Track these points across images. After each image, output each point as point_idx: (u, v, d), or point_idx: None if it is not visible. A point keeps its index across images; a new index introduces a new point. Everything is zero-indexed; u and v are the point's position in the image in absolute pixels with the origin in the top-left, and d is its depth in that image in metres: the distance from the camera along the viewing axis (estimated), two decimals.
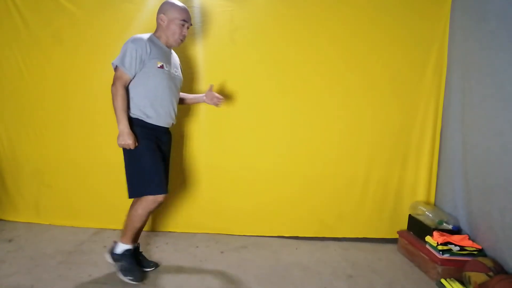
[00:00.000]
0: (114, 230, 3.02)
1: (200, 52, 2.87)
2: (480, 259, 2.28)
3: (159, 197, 2.22)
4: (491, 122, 2.36)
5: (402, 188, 3.00)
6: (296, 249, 2.88)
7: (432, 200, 3.01)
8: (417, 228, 2.76)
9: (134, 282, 2.24)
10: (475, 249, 2.42)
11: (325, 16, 2.85)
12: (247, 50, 2.87)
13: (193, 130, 2.98)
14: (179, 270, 2.48)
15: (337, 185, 3.00)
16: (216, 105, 2.58)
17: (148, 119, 2.25)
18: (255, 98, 2.93)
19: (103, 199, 3.03)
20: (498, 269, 2.18)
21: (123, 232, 2.29)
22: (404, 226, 2.95)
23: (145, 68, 2.19)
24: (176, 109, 2.39)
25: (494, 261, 2.24)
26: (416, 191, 3.00)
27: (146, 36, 2.23)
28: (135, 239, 2.33)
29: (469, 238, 2.52)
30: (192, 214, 3.05)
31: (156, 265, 2.46)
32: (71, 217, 3.06)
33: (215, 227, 3.06)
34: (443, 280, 2.34)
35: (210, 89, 2.58)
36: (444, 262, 2.41)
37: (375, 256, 2.80)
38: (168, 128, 2.41)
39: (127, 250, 2.28)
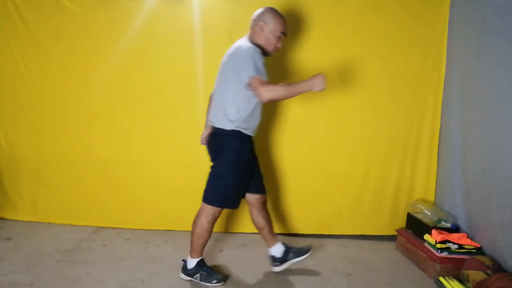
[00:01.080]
0: (113, 228, 3.03)
1: (199, 51, 2.86)
2: (478, 257, 2.28)
3: (221, 211, 2.29)
4: (490, 120, 2.37)
5: (401, 186, 3.01)
6: None
7: (431, 198, 3.02)
8: (416, 226, 2.76)
9: (221, 283, 2.28)
10: (473, 247, 2.43)
11: (324, 16, 2.84)
12: None
13: (198, 126, 2.96)
14: (178, 268, 2.47)
15: (336, 183, 3.01)
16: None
17: (246, 131, 2.22)
18: None
19: (102, 197, 3.03)
20: (497, 267, 2.19)
21: (192, 248, 2.30)
22: (403, 224, 2.96)
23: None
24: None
25: (493, 259, 2.25)
26: (415, 190, 3.00)
27: (253, 45, 2.16)
28: (201, 251, 2.34)
29: (468, 237, 2.52)
30: (191, 212, 3.04)
31: (309, 247, 2.48)
32: (70, 215, 3.06)
33: (214, 225, 3.05)
34: (441, 278, 2.35)
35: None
36: (442, 260, 2.42)
37: (374, 254, 2.81)
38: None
39: (199, 262, 2.31)
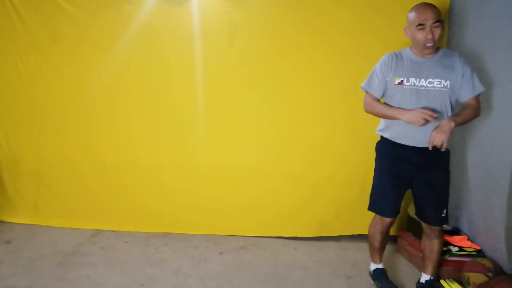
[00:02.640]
0: (113, 231, 3.02)
1: (198, 52, 2.86)
2: (479, 260, 2.28)
3: (385, 219, 2.27)
4: (491, 122, 2.36)
5: None
6: (295, 249, 2.88)
7: None
8: (417, 228, 2.75)
9: None
10: (474, 249, 2.42)
11: (323, 17, 2.83)
12: (245, 51, 2.86)
13: (198, 128, 2.96)
14: (178, 271, 2.47)
15: (335, 185, 2.99)
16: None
17: (387, 135, 2.20)
18: (253, 98, 2.92)
19: (102, 200, 3.03)
20: (497, 270, 2.18)
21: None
22: (403, 226, 2.95)
23: (388, 87, 2.14)
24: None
25: (493, 262, 2.24)
26: None
27: (396, 51, 2.16)
28: (380, 258, 2.36)
29: (468, 239, 2.52)
30: (191, 215, 3.05)
31: None
32: (70, 217, 3.06)
33: (214, 227, 3.05)
34: (442, 281, 2.34)
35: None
36: (443, 262, 2.41)
37: None
38: (425, 148, 2.06)
39: (375, 270, 2.33)
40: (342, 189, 3.00)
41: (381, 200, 2.28)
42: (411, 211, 2.90)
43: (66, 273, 2.36)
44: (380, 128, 2.26)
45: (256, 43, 2.86)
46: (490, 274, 2.14)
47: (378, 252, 2.36)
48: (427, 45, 2.01)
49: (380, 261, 2.39)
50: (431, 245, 2.26)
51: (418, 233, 2.71)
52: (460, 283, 2.28)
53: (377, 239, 2.32)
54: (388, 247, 2.93)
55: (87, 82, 2.91)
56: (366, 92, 2.22)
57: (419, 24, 2.01)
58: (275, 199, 3.01)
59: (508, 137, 2.20)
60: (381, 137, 2.26)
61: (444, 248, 2.44)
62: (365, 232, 3.00)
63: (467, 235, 2.56)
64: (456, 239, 2.49)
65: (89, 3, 2.83)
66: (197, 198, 3.02)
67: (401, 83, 2.07)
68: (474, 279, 2.17)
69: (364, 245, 2.96)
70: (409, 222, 2.89)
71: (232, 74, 2.90)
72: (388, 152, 2.22)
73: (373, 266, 2.38)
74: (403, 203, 3.05)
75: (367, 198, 2.99)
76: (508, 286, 1.97)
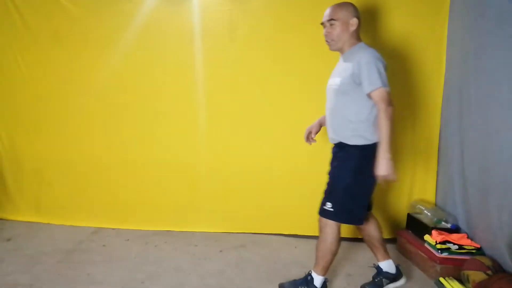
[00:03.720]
0: (113, 229, 3.03)
1: (198, 51, 2.86)
2: (478, 257, 2.28)
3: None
4: (490, 121, 2.37)
5: (401, 187, 3.00)
6: (295, 247, 2.88)
7: (431, 199, 3.01)
8: (416, 227, 2.76)
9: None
10: (473, 247, 2.43)
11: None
12: (246, 50, 2.87)
13: (198, 127, 2.97)
14: (178, 269, 2.48)
15: None
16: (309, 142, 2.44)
17: (371, 141, 2.10)
18: (254, 97, 2.92)
19: (102, 197, 3.04)
20: (497, 267, 2.18)
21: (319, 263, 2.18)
22: (403, 225, 2.95)
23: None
24: (334, 126, 2.18)
25: (493, 259, 2.24)
26: (415, 190, 3.00)
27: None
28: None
29: (468, 237, 2.52)
30: (191, 213, 3.05)
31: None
32: (71, 215, 3.06)
33: (214, 225, 3.06)
34: (441, 279, 2.34)
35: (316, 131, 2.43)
36: (442, 260, 2.41)
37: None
38: (338, 143, 2.20)
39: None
40: None
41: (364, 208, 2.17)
42: (411, 210, 2.91)
43: (67, 271, 2.36)
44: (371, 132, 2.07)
45: (257, 42, 2.87)
46: (489, 272, 2.14)
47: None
48: (326, 41, 2.14)
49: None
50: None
51: (418, 232, 2.72)
52: (460, 281, 2.29)
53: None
54: (388, 245, 2.93)
55: (88, 81, 2.92)
56: (381, 90, 1.97)
57: (321, 23, 2.15)
58: (275, 196, 3.01)
59: (505, 136, 2.21)
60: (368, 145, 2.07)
61: (444, 246, 2.45)
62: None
63: (466, 233, 2.56)
64: (456, 237, 2.49)
65: (90, 2, 2.84)
66: (197, 196, 3.03)
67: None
68: (473, 277, 2.17)
69: (363, 244, 2.96)
70: (408, 221, 2.90)
71: (233, 72, 2.90)
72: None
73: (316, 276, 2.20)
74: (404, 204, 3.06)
75: None
76: (507, 284, 1.98)
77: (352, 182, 2.08)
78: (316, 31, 2.84)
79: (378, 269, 2.32)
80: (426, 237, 2.58)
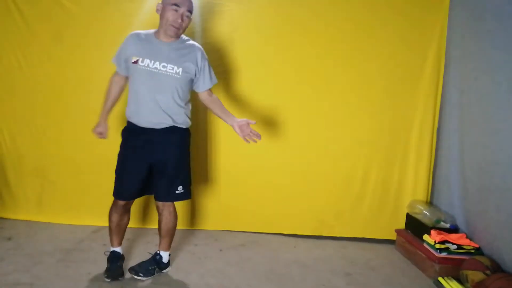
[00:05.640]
0: None
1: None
2: (477, 257, 2.29)
3: (116, 201, 2.32)
4: (489, 121, 2.37)
5: (400, 187, 3.01)
6: (295, 247, 2.89)
7: (430, 199, 3.02)
8: (415, 226, 2.77)
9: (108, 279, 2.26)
10: (472, 247, 2.44)
11: (323, 16, 2.85)
12: (246, 50, 2.87)
13: (197, 126, 2.96)
14: (178, 268, 2.48)
15: (335, 184, 3.01)
16: (246, 140, 2.26)
17: (129, 118, 2.24)
18: (254, 97, 2.93)
19: (104, 196, 3.02)
20: (495, 267, 2.20)
21: (170, 243, 2.36)
22: (402, 224, 2.96)
23: (128, 65, 2.16)
24: (166, 109, 2.14)
25: (491, 259, 2.26)
26: (414, 190, 3.00)
27: (139, 31, 2.21)
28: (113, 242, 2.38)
29: (467, 237, 2.53)
30: (191, 212, 3.06)
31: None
32: (72, 214, 3.06)
33: (214, 224, 3.07)
34: (440, 279, 2.36)
35: (248, 123, 2.25)
36: (441, 260, 2.43)
37: (373, 254, 2.81)
38: (162, 128, 2.18)
39: (113, 253, 2.34)
40: (342, 189, 3.01)
41: (121, 185, 2.35)
42: (410, 210, 2.92)
43: (67, 270, 2.37)
44: (127, 111, 2.24)
45: (257, 42, 2.87)
46: (488, 271, 2.15)
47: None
48: (174, 25, 2.06)
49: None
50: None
51: (417, 232, 2.73)
52: (459, 280, 2.30)
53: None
54: (387, 245, 2.96)
55: (89, 79, 2.91)
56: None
57: (174, 5, 2.05)
58: (275, 196, 3.02)
59: (504, 136, 2.22)
60: (127, 120, 2.25)
61: (443, 246, 2.46)
62: (366, 235, 3.03)
63: (465, 233, 2.57)
64: (455, 237, 2.50)
65: (91, 1, 2.83)
66: (197, 195, 3.03)
67: (136, 62, 2.12)
68: (472, 277, 2.19)
69: (363, 243, 2.98)
70: (407, 221, 2.91)
71: (232, 73, 2.90)
72: (129, 134, 2.28)
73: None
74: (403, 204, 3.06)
75: (367, 198, 3.03)
76: (506, 283, 1.99)
77: (189, 161, 2.34)
78: (315, 31, 2.86)
79: (157, 257, 2.37)
80: (425, 237, 2.59)
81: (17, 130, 3.02)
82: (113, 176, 3.03)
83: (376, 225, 3.04)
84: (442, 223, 2.69)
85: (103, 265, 2.41)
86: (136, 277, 2.27)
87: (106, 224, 3.02)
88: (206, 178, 3.02)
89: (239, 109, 2.93)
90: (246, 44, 2.86)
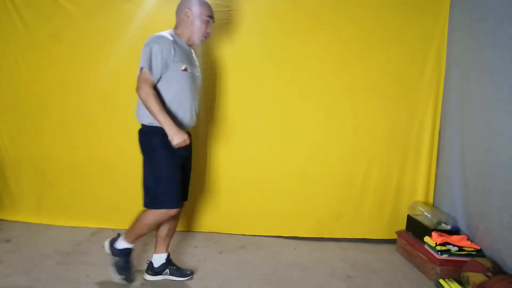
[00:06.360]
0: (113, 230, 3.01)
1: (198, 52, 2.85)
2: (478, 259, 2.28)
3: (172, 211, 2.12)
4: (490, 122, 2.37)
5: (401, 189, 3.00)
6: (295, 249, 2.88)
7: (431, 200, 3.01)
8: (416, 228, 2.76)
9: (125, 282, 2.21)
10: (473, 249, 2.43)
11: (324, 16, 2.85)
12: (246, 50, 2.87)
13: (197, 127, 2.95)
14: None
15: (336, 186, 3.00)
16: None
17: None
18: (254, 98, 2.92)
19: (102, 198, 3.03)
20: (497, 269, 2.18)
21: (129, 231, 2.19)
22: (403, 226, 2.95)
23: (169, 71, 2.05)
24: (197, 111, 2.23)
25: (493, 261, 2.24)
26: (415, 192, 3.00)
27: (168, 35, 2.07)
28: (134, 240, 2.22)
29: (468, 239, 2.52)
30: (191, 214, 3.05)
31: (191, 273, 2.39)
32: (71, 216, 3.05)
33: (214, 226, 3.05)
34: (441, 281, 2.34)
35: None
36: (442, 262, 2.41)
37: (373, 257, 2.80)
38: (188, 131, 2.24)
39: (127, 249, 2.23)
40: (343, 191, 3.01)
41: (177, 193, 2.17)
42: (411, 211, 2.91)
43: (66, 272, 2.36)
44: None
45: (257, 42, 2.86)
46: (489, 273, 2.14)
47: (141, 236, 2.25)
48: (206, 36, 2.19)
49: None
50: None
51: (417, 234, 2.72)
52: (460, 282, 2.28)
53: (152, 230, 2.25)
54: (388, 247, 2.95)
55: (88, 80, 2.91)
56: (143, 71, 2.04)
57: (209, 16, 2.16)
58: (275, 198, 3.01)
59: (506, 137, 2.21)
60: (159, 127, 2.05)
61: (444, 248, 2.45)
62: (367, 236, 3.02)
63: (466, 235, 2.56)
64: (456, 239, 2.49)
65: (89, 2, 2.83)
66: (197, 197, 3.02)
67: (186, 69, 2.10)
68: (473, 279, 2.17)
69: (363, 245, 2.97)
70: (408, 223, 2.90)
71: (231, 73, 2.90)
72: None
73: (127, 245, 2.21)
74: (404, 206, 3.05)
75: (368, 200, 3.02)
76: (507, 285, 1.98)
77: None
78: (315, 30, 2.86)
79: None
80: (426, 238, 2.58)
81: (16, 132, 3.02)
82: (112, 178, 3.03)
83: (377, 227, 3.03)
84: (443, 224, 2.68)
85: (102, 267, 2.40)
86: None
87: (105, 226, 3.04)
88: (205, 180, 3.02)
89: (239, 109, 2.93)
90: (246, 44, 2.86)
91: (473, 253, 2.41)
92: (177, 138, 1.99)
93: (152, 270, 2.33)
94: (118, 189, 3.01)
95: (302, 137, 2.97)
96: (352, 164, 2.98)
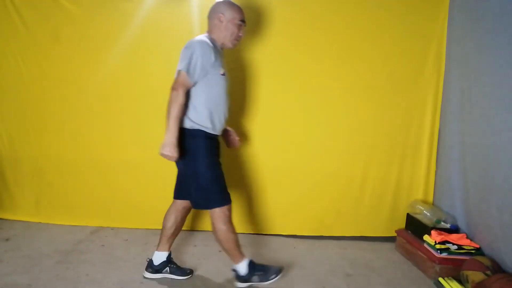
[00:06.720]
0: (112, 229, 3.02)
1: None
2: (478, 258, 2.28)
3: (226, 208, 2.16)
4: (489, 121, 2.37)
5: (400, 187, 3.00)
6: (294, 248, 2.88)
7: (430, 199, 3.01)
8: (415, 227, 2.76)
9: (279, 275, 2.25)
10: (473, 248, 2.43)
11: (324, 15, 2.84)
12: (246, 50, 2.86)
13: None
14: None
15: (335, 184, 3.00)
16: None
17: (210, 129, 2.13)
18: (253, 98, 2.92)
19: (101, 197, 3.03)
20: (496, 268, 2.19)
21: (231, 256, 2.22)
22: (402, 225, 2.95)
23: (209, 75, 2.07)
24: (227, 115, 2.26)
25: (492, 260, 2.25)
26: (414, 190, 3.00)
27: (206, 39, 2.10)
28: (241, 252, 2.24)
29: (467, 237, 2.52)
30: (190, 213, 3.04)
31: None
32: (70, 215, 3.06)
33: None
34: (441, 279, 2.35)
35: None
36: (442, 261, 2.41)
37: (373, 255, 2.80)
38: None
39: (250, 264, 2.23)
40: (342, 189, 3.01)
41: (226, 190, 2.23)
42: (411, 210, 2.91)
43: (65, 271, 2.36)
44: (208, 122, 2.13)
45: (257, 41, 2.86)
46: (488, 272, 2.14)
47: (237, 245, 2.24)
48: (238, 40, 2.23)
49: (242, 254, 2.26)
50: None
51: (417, 232, 2.72)
52: (459, 281, 2.29)
53: (233, 231, 2.22)
54: (387, 245, 2.95)
55: (87, 80, 2.91)
56: (181, 74, 2.04)
57: (242, 21, 2.19)
58: (274, 197, 3.01)
59: (506, 136, 2.21)
60: (202, 130, 2.11)
61: (443, 247, 2.45)
62: (366, 234, 3.02)
63: (465, 233, 2.56)
64: (455, 238, 2.49)
65: (89, 1, 2.83)
66: None
67: (224, 74, 2.15)
68: (473, 277, 2.17)
69: (363, 244, 2.97)
70: (408, 221, 2.90)
71: (231, 73, 2.88)
72: (212, 144, 2.20)
73: (245, 262, 2.22)
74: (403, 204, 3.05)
75: (367, 198, 3.02)
76: (506, 284, 1.98)
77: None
78: (316, 30, 2.86)
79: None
80: (426, 237, 2.58)
81: (15, 131, 3.02)
82: (111, 178, 3.04)
83: (376, 225, 3.03)
84: (442, 223, 2.68)
85: (101, 266, 2.41)
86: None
87: (104, 224, 3.05)
88: None
89: (239, 109, 2.92)
90: (246, 44, 2.86)
91: (473, 251, 2.41)
92: (169, 150, 2.03)
93: (152, 268, 2.33)
94: (117, 188, 3.01)
95: (301, 137, 2.97)
96: (351, 162, 2.98)
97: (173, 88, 2.05)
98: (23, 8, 2.85)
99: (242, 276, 2.22)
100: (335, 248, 2.90)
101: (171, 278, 2.33)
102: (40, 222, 3.05)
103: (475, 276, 2.17)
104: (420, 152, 2.97)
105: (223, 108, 2.19)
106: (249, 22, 2.81)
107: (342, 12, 2.84)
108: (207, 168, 2.14)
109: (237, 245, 2.22)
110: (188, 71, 2.02)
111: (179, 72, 2.05)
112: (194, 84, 2.08)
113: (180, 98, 2.02)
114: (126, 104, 2.96)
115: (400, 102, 2.94)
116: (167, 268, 2.34)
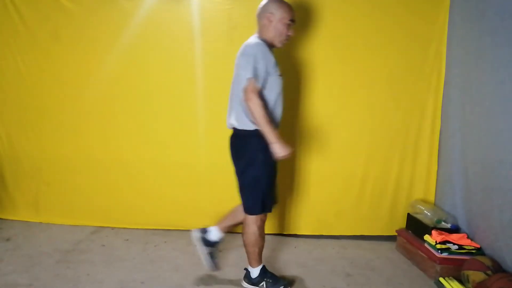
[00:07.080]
0: (112, 228, 3.02)
1: (198, 51, 2.85)
2: (478, 258, 2.28)
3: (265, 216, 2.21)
4: (491, 120, 2.36)
5: (401, 187, 3.00)
6: (295, 247, 2.88)
7: (431, 198, 3.01)
8: (416, 226, 2.76)
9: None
10: (473, 248, 2.43)
11: (323, 15, 2.84)
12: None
13: (197, 127, 2.96)
14: (178, 268, 2.48)
15: (336, 183, 3.00)
16: None
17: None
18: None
19: (101, 197, 3.03)
20: (497, 267, 2.18)
21: (250, 260, 2.25)
22: (403, 224, 2.95)
23: (270, 78, 2.06)
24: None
25: (493, 259, 2.24)
26: (415, 190, 3.00)
27: (261, 41, 2.08)
28: (261, 258, 2.27)
29: (468, 237, 2.52)
30: (191, 212, 3.05)
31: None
32: (70, 215, 3.06)
33: (213, 224, 3.05)
34: (441, 279, 2.34)
35: None
36: (442, 261, 2.41)
37: (373, 255, 2.80)
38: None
39: (262, 269, 2.25)
40: (343, 188, 3.00)
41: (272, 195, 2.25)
42: (411, 210, 2.91)
43: (66, 271, 2.36)
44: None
45: None
46: (489, 272, 2.14)
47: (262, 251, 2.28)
48: (287, 39, 2.18)
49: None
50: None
51: (417, 232, 2.72)
52: (460, 281, 2.28)
53: (264, 239, 2.26)
54: (387, 245, 2.95)
55: (87, 80, 2.91)
56: (252, 81, 1.99)
57: (291, 20, 2.14)
58: None
59: (507, 135, 2.20)
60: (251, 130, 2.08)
61: (444, 246, 2.45)
62: (366, 233, 3.02)
63: (466, 233, 2.56)
64: (456, 237, 2.49)
65: (89, 1, 2.83)
66: (197, 195, 3.02)
67: (281, 75, 2.13)
68: (473, 277, 2.17)
69: (363, 244, 2.97)
70: (408, 221, 2.89)
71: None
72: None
73: (259, 267, 2.26)
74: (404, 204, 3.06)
75: (367, 197, 3.02)
76: (507, 283, 1.98)
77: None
78: (315, 30, 2.85)
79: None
80: (426, 237, 2.58)
81: (14, 132, 3.02)
82: (111, 178, 3.04)
83: (377, 225, 3.03)
84: (443, 223, 2.68)
85: (102, 266, 2.41)
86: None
87: (104, 224, 3.05)
88: (204, 179, 3.01)
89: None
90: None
91: (473, 251, 2.41)
92: (283, 151, 2.00)
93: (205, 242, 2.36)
94: (117, 188, 3.01)
95: (301, 136, 2.96)
96: (352, 161, 2.98)
97: (247, 99, 1.98)
98: (23, 8, 2.85)
99: (252, 278, 2.26)
100: (335, 247, 2.90)
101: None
102: (40, 222, 3.05)
103: (476, 276, 2.17)
104: (421, 151, 2.97)
105: (280, 109, 2.17)
106: (245, 19, 2.79)
107: (342, 13, 2.83)
108: (268, 169, 2.15)
109: (261, 251, 2.25)
110: (256, 76, 1.99)
111: (248, 80, 1.99)
112: (262, 88, 2.04)
113: (257, 101, 1.97)
114: (127, 104, 2.96)
115: (401, 101, 2.94)
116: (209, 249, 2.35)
